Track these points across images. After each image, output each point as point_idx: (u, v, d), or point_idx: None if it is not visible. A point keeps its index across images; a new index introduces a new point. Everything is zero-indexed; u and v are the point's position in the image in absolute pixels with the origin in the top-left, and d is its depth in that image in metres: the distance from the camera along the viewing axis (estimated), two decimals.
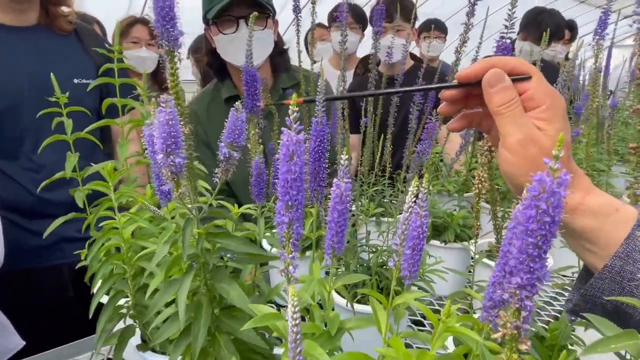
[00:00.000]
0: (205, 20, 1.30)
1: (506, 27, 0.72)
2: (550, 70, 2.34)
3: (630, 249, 0.42)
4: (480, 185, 0.74)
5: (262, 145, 0.64)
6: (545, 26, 2.37)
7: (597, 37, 0.90)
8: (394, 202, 1.45)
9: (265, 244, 1.08)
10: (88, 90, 0.91)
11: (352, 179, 1.41)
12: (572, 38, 2.95)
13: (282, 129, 0.35)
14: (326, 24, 2.70)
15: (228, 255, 0.56)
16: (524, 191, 0.27)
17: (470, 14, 0.73)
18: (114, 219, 0.66)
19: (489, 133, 0.55)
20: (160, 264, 0.54)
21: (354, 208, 1.30)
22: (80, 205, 0.86)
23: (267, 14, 1.27)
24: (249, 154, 0.61)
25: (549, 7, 2.53)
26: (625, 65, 3.58)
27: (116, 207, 0.67)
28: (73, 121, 0.91)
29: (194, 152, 0.48)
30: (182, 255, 0.47)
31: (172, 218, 0.60)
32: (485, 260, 1.09)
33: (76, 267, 0.85)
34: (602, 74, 1.37)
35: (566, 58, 3.60)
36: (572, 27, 2.89)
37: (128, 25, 2.03)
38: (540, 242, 0.26)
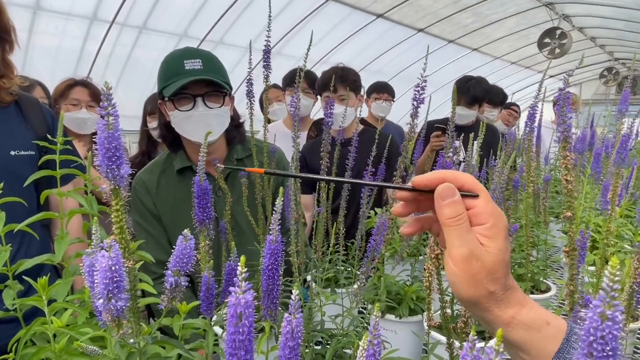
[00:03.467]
0: (161, 95, 1.29)
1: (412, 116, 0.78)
2: (489, 131, 2.53)
3: None
4: (430, 279, 0.77)
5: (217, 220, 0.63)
6: (474, 92, 2.60)
7: (527, 129, 0.99)
8: (348, 270, 1.45)
9: (218, 330, 1.03)
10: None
11: (307, 243, 1.41)
12: (503, 102, 3.26)
13: (230, 288, 0.34)
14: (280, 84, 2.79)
15: None
16: None
17: (415, 115, 0.77)
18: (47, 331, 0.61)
19: (438, 236, 0.57)
20: None
21: (309, 278, 1.29)
22: (9, 306, 0.79)
23: (224, 92, 1.29)
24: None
25: (476, 73, 2.78)
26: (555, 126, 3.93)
27: (49, 320, 0.62)
28: (7, 188, 0.84)
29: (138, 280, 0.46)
30: None
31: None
32: (437, 335, 1.09)
33: None
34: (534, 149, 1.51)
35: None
36: (503, 94, 3.20)
37: (67, 87, 2.01)
38: None
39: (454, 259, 0.48)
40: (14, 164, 1.24)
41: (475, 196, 0.49)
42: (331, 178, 0.57)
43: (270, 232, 0.52)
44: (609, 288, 0.26)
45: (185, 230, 0.48)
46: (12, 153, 1.26)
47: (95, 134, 1.73)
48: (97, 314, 0.49)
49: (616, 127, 1.36)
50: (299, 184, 1.18)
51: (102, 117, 0.41)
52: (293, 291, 0.43)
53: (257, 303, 0.54)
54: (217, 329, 0.87)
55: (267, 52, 1.03)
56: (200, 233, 0.58)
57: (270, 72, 1.06)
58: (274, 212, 0.52)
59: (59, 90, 2.04)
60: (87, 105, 2.03)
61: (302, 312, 0.46)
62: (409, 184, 0.52)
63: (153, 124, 2.26)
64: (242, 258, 0.34)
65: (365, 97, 3.37)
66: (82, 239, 1.05)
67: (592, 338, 0.27)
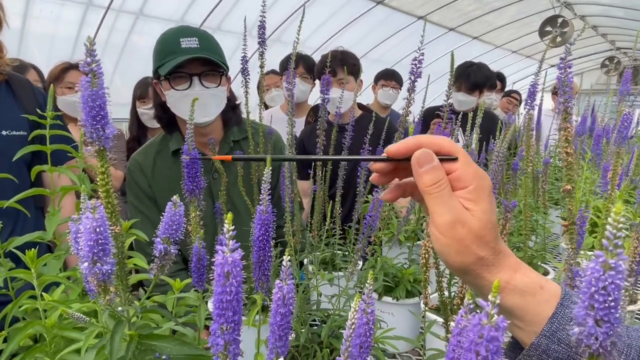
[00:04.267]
0: (156, 74, 1.27)
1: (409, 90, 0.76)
2: (489, 117, 2.51)
3: (555, 328, 0.43)
4: (426, 256, 0.75)
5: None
6: (474, 78, 2.57)
7: (527, 107, 0.97)
8: (345, 254, 1.45)
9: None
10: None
11: (304, 227, 1.40)
12: (503, 87, 3.23)
13: (217, 247, 0.33)
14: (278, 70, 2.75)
15: (164, 358, 0.52)
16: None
17: (412, 89, 0.76)
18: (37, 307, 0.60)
19: (422, 202, 0.55)
20: None
21: (305, 261, 1.28)
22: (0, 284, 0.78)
23: (220, 71, 1.27)
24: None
25: (477, 61, 2.74)
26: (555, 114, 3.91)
27: (38, 294, 0.61)
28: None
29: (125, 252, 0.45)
30: None
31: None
32: (433, 315, 1.09)
33: None
34: (534, 132, 1.49)
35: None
36: (502, 78, 3.17)
37: (62, 71, 1.99)
38: None
39: (439, 227, 0.45)
40: (6, 144, 1.23)
41: (455, 159, 0.46)
42: (307, 157, 0.55)
43: (261, 202, 0.51)
44: (612, 236, 0.25)
45: (175, 196, 0.46)
46: (4, 133, 1.24)
47: None
48: (85, 282, 0.48)
49: (617, 109, 1.34)
50: (294, 164, 1.17)
51: (86, 74, 0.39)
52: (284, 257, 0.42)
53: (248, 276, 0.52)
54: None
55: (262, 27, 1.01)
56: (191, 203, 0.57)
57: (265, 49, 1.03)
58: (263, 181, 0.50)
59: (54, 74, 2.02)
60: None
61: (297, 289, 0.45)
62: (383, 154, 0.49)
63: (142, 108, 2.24)
64: (229, 215, 0.33)
65: (372, 83, 3.33)
66: None
67: (593, 289, 0.25)
